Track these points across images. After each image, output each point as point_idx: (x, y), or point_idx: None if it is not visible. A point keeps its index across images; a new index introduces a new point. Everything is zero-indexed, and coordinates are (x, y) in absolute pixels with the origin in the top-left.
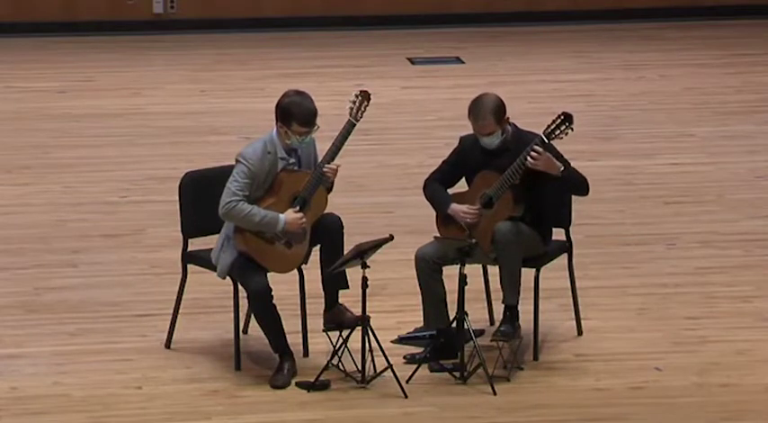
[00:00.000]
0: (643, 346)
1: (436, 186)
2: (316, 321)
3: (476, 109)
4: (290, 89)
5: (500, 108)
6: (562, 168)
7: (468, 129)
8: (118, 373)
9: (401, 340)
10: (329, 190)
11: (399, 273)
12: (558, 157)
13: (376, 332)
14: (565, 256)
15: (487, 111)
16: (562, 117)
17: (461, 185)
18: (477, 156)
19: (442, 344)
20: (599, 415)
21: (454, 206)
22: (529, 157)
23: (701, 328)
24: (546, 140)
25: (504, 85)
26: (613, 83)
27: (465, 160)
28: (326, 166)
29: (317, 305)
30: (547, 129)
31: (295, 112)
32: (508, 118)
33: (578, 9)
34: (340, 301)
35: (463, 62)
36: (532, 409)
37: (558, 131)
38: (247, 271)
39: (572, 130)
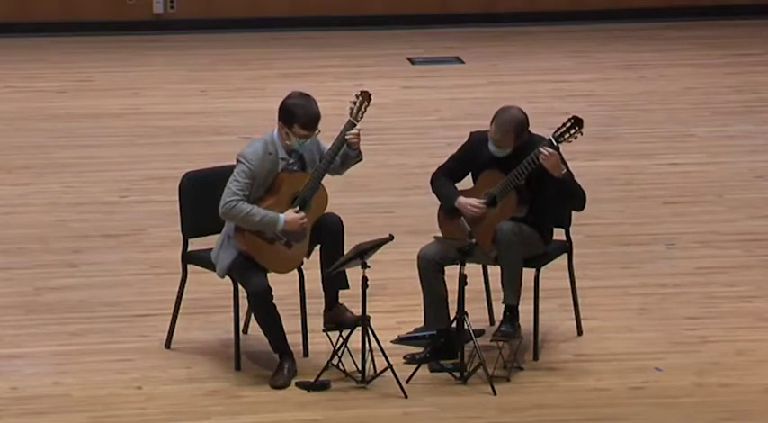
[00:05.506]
0: (643, 346)
1: (444, 180)
2: (316, 321)
3: (501, 122)
4: (294, 91)
5: (523, 128)
6: (564, 171)
7: (470, 127)
8: (118, 373)
9: (401, 340)
10: (358, 157)
11: (399, 273)
12: (563, 161)
13: (376, 332)
14: (565, 256)
15: (510, 129)
16: (572, 120)
17: (466, 183)
18: (485, 153)
19: (442, 344)
20: (599, 415)
21: (461, 199)
22: (542, 152)
23: (701, 328)
24: (555, 143)
25: (504, 85)
26: (613, 83)
27: (473, 156)
28: (349, 132)
29: (317, 305)
30: (556, 131)
31: (298, 115)
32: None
33: (578, 9)
34: (340, 300)
35: (463, 62)
36: (532, 409)
37: (568, 135)
38: (247, 271)
39: (581, 134)
